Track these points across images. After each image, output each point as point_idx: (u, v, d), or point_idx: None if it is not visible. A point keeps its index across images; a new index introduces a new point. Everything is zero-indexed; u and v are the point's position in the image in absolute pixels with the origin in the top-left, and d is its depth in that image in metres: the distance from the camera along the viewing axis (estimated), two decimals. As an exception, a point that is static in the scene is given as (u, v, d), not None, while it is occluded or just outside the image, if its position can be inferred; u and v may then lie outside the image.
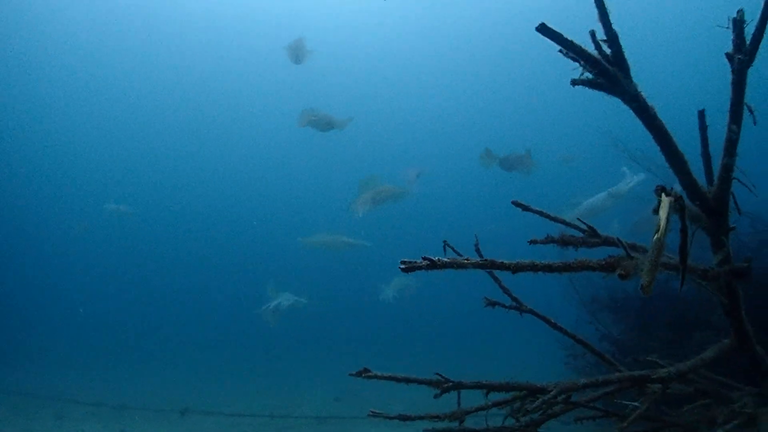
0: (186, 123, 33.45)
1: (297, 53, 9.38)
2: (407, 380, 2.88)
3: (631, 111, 2.62)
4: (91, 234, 22.96)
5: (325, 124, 8.29)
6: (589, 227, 2.81)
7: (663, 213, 2.20)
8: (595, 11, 2.29)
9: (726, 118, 3.06)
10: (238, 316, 18.85)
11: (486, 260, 1.95)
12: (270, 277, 11.36)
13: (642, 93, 2.53)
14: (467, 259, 1.91)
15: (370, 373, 2.81)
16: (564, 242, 2.64)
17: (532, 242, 2.57)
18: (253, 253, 31.15)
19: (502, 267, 1.99)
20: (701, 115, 2.97)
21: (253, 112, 33.17)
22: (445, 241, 3.55)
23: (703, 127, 3.00)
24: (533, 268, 2.06)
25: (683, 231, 2.30)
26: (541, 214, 2.85)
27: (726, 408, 3.70)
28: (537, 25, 2.10)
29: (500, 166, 8.09)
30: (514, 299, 3.48)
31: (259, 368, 14.64)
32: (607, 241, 2.84)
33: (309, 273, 23.98)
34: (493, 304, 3.46)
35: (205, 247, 32.48)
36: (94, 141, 34.03)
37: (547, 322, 3.47)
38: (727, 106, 2.83)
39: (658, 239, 2.09)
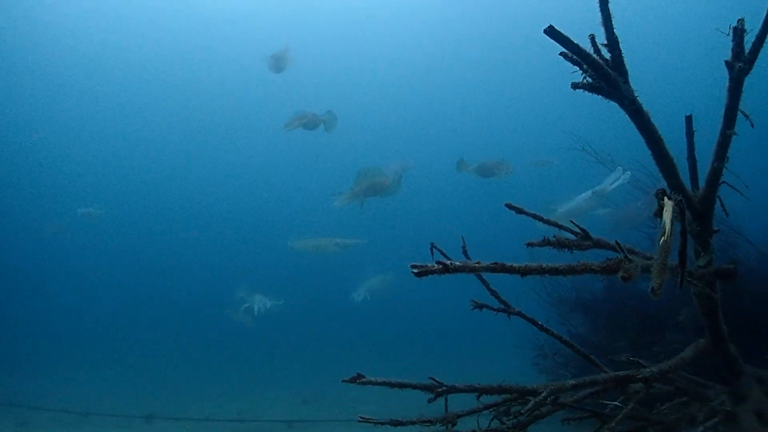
0: (165, 124, 32.86)
1: (278, 63, 9.27)
2: (401, 385, 2.84)
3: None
4: (55, 238, 22.32)
5: (312, 123, 8.20)
6: (582, 230, 2.82)
7: (667, 216, 2.22)
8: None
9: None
10: (204, 318, 18.56)
11: (496, 264, 1.93)
12: (238, 279, 11.22)
13: (638, 98, 2.55)
14: (478, 263, 1.89)
15: (364, 379, 2.77)
16: (559, 245, 2.64)
17: (530, 244, 2.55)
18: (221, 254, 30.75)
19: (512, 270, 1.97)
20: (688, 120, 3.02)
21: (231, 112, 32.72)
22: (432, 244, 3.54)
23: (689, 132, 3.04)
24: (541, 271, 2.05)
25: (683, 233, 2.32)
26: (534, 216, 2.85)
27: (705, 406, 3.77)
28: (545, 27, 2.09)
29: (477, 173, 8.06)
30: (502, 302, 3.47)
31: (225, 371, 14.42)
32: (599, 244, 2.85)
33: (277, 273, 23.80)
34: (480, 306, 3.45)
35: (172, 249, 31.92)
36: (68, 143, 33.15)
37: (534, 323, 3.47)
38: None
39: (665, 242, 2.10)
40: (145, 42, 27.86)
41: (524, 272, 2.00)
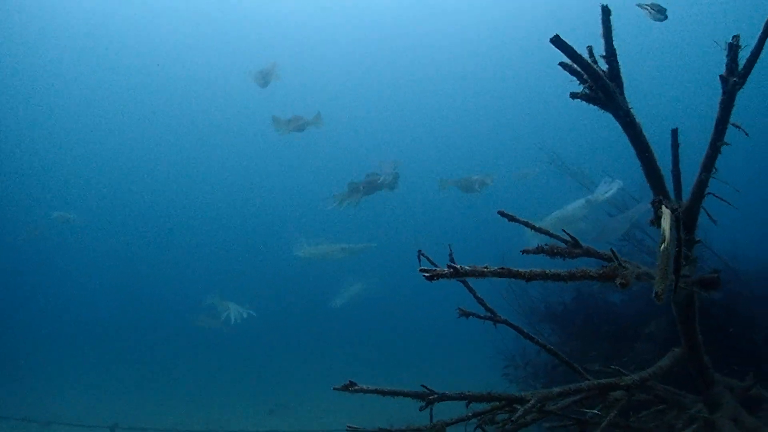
0: (146, 127, 32.27)
1: (265, 78, 9.25)
2: (393, 393, 2.82)
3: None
4: (27, 243, 21.60)
5: (300, 125, 8.19)
6: (573, 238, 2.85)
7: (666, 224, 2.26)
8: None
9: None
10: (171, 326, 18.18)
11: (503, 269, 1.93)
12: (209, 286, 11.01)
13: (632, 109, 2.60)
14: (486, 267, 1.89)
15: (356, 387, 2.72)
16: (552, 253, 2.66)
17: (525, 252, 2.57)
18: (193, 261, 30.19)
19: (517, 275, 1.97)
20: (674, 133, 3.08)
21: (213, 115, 32.25)
22: (419, 251, 3.53)
23: (675, 145, 3.10)
24: (544, 276, 2.06)
25: (678, 242, 2.36)
26: (526, 224, 2.87)
27: (684, 414, 3.84)
28: (552, 36, 2.11)
29: (458, 188, 8.16)
30: (489, 309, 3.48)
31: (191, 379, 14.12)
32: (588, 252, 2.89)
33: (248, 280, 23.50)
34: (467, 314, 3.46)
35: (140, 256, 31.20)
36: (44, 145, 32.31)
37: (520, 332, 3.49)
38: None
39: (666, 249, 2.13)
40: (126, 43, 27.39)
41: (529, 278, 2.00)
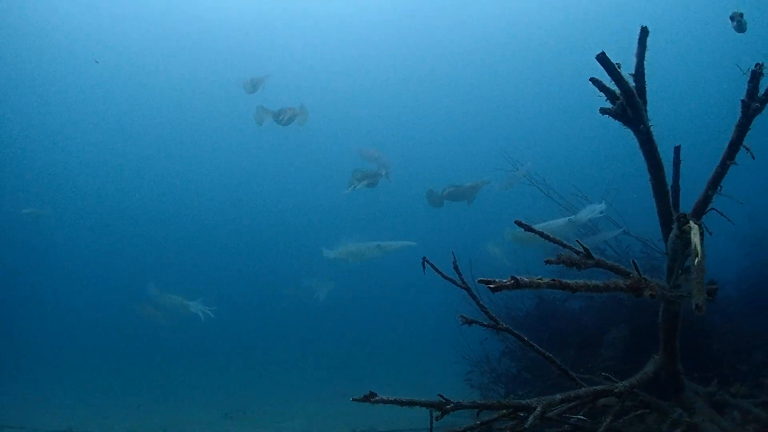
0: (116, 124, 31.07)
1: (254, 86, 9.16)
2: (411, 403, 2.80)
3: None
4: None
5: (286, 118, 8.02)
6: (585, 249, 2.91)
7: (696, 238, 2.32)
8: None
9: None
10: (124, 326, 17.54)
11: (555, 280, 1.95)
12: (163, 282, 10.65)
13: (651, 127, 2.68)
14: (540, 279, 1.91)
15: (377, 398, 2.68)
16: (569, 263, 2.71)
17: (548, 262, 2.60)
18: (148, 259, 29.19)
19: (566, 287, 2.00)
20: (676, 150, 3.19)
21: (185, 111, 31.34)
22: (424, 258, 3.54)
23: (677, 162, 3.22)
24: (587, 288, 2.10)
25: (700, 254, 2.44)
26: (541, 235, 2.91)
27: (666, 418, 3.97)
28: (598, 53, 2.15)
29: (447, 199, 8.10)
30: (492, 318, 3.51)
31: (145, 381, 13.67)
32: (599, 264, 2.96)
33: (202, 277, 22.97)
34: (469, 322, 3.48)
35: (93, 252, 29.95)
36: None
37: (521, 339, 3.53)
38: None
39: (699, 262, 2.20)
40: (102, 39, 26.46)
41: (575, 289, 2.03)
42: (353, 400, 2.65)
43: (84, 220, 31.89)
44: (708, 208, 3.05)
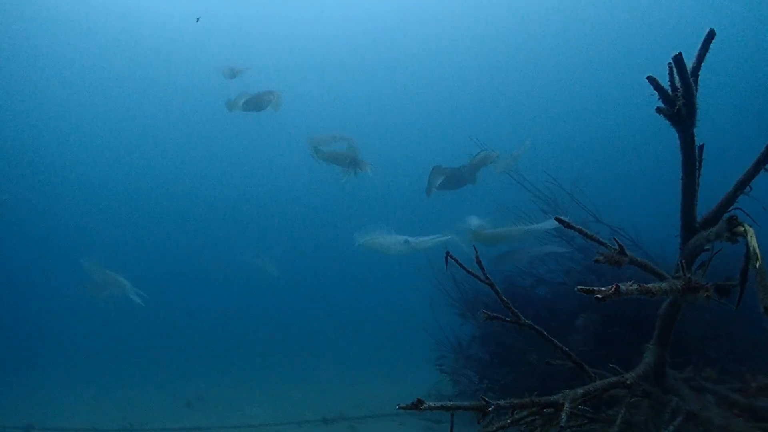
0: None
1: (234, 73, 8.80)
2: (456, 408, 2.71)
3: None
4: None
5: (256, 104, 7.69)
6: (620, 246, 2.90)
7: (753, 241, 2.33)
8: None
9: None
10: (80, 313, 16.78)
11: (642, 286, 1.91)
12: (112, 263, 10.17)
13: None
14: (631, 285, 1.86)
15: (425, 405, 2.58)
16: (612, 261, 2.69)
17: (597, 261, 2.57)
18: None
19: (648, 292, 1.97)
20: (700, 149, 3.21)
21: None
22: (447, 253, 3.46)
23: (699, 160, 3.25)
24: (661, 291, 2.07)
25: (747, 256, 2.45)
26: (579, 231, 2.88)
27: (666, 406, 4.06)
28: (675, 54, 2.11)
29: (442, 188, 7.69)
30: (514, 313, 3.48)
31: (103, 371, 13.10)
32: (633, 261, 2.95)
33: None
34: (492, 318, 3.43)
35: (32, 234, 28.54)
36: None
37: (541, 334, 3.51)
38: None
39: (761, 266, 2.20)
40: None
41: (655, 293, 2.00)
42: (399, 407, 2.54)
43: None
44: (732, 208, 3.08)
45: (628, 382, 3.61)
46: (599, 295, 1.72)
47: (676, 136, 2.99)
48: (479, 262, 3.38)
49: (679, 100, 2.37)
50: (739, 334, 6.44)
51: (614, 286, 1.74)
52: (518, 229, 6.96)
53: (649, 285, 1.98)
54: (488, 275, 3.36)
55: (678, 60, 2.16)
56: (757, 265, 2.21)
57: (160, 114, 31.73)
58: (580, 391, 3.29)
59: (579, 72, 29.03)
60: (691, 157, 2.77)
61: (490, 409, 2.75)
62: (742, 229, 2.38)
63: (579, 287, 1.76)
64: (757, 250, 2.27)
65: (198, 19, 16.26)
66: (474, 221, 8.20)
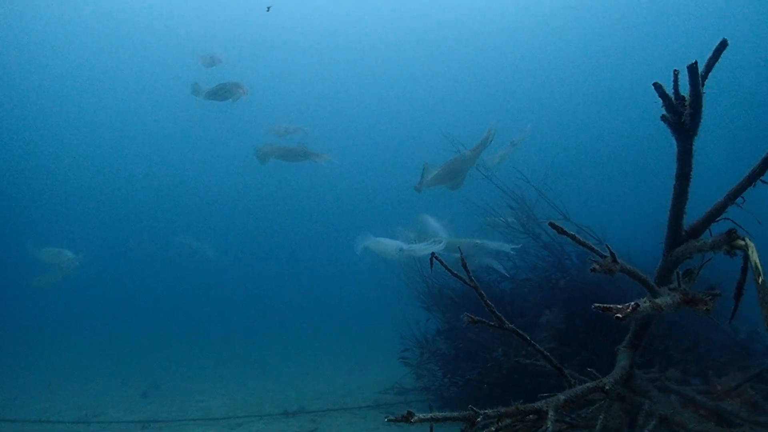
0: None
1: (211, 61, 8.60)
2: (445, 419, 2.62)
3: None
4: None
5: (222, 93, 7.47)
6: (612, 253, 2.84)
7: (755, 256, 2.28)
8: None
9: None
10: (28, 299, 16.11)
11: (654, 303, 1.84)
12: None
13: (694, 136, 2.63)
14: (647, 301, 1.79)
15: (415, 418, 2.47)
16: (606, 269, 2.63)
17: (593, 270, 2.51)
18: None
19: (659, 308, 1.90)
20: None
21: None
22: (433, 253, 3.36)
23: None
24: (667, 306, 2.02)
25: (744, 270, 2.41)
26: (572, 237, 2.81)
27: (641, 410, 4.06)
28: (690, 63, 2.03)
29: (434, 184, 7.49)
30: (498, 317, 3.40)
31: (52, 358, 12.62)
32: (623, 269, 2.90)
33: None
34: (475, 321, 3.34)
35: None
36: None
37: (524, 339, 3.45)
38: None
39: (763, 281, 2.16)
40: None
41: (664, 308, 1.94)
42: (388, 420, 2.43)
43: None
44: (720, 218, 3.06)
45: (607, 387, 3.58)
46: (619, 314, 1.64)
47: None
48: (464, 265, 3.28)
49: (685, 110, 2.31)
50: (700, 335, 6.54)
51: (634, 304, 1.67)
52: (468, 242, 6.98)
53: (657, 300, 1.91)
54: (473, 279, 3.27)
55: (692, 69, 2.09)
56: (759, 281, 2.16)
57: (103, 88, 30.81)
58: (562, 397, 3.24)
59: (555, 73, 29.36)
60: (687, 166, 2.72)
61: (478, 419, 2.67)
62: (742, 242, 2.33)
63: (596, 305, 1.67)
64: (759, 266, 2.22)
65: (269, 8, 15.86)
66: (431, 222, 8.18)
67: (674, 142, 2.71)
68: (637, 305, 1.68)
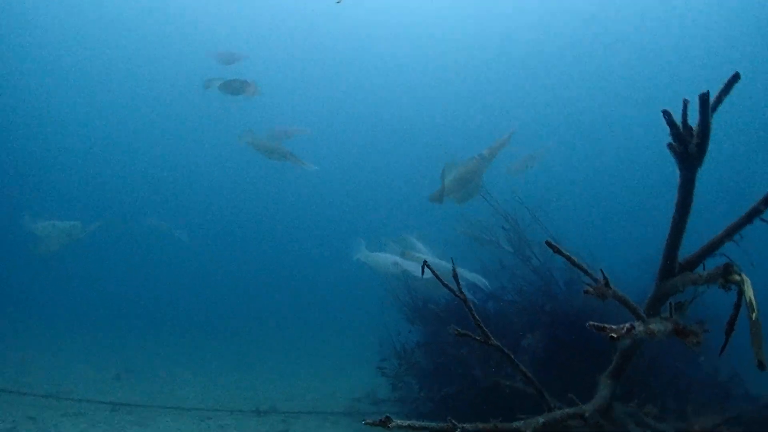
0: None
1: (230, 59, 8.65)
2: (423, 428, 2.57)
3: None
4: None
5: (234, 88, 7.47)
6: (605, 278, 2.81)
7: (750, 292, 2.26)
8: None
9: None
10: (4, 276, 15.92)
11: (648, 329, 1.81)
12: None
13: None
14: (641, 326, 1.76)
15: (393, 423, 2.42)
16: (600, 294, 2.60)
17: (587, 292, 2.48)
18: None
19: (658, 335, 1.87)
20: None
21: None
22: (425, 261, 3.32)
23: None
24: (667, 334, 1.99)
25: (737, 305, 2.39)
26: (568, 259, 2.78)
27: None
28: (703, 92, 2.02)
29: (452, 193, 7.32)
30: (484, 332, 3.36)
31: (24, 336, 12.45)
32: (615, 295, 2.88)
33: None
34: (462, 335, 3.32)
35: None
36: None
37: (509, 358, 3.41)
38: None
39: (757, 317, 2.14)
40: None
41: (669, 335, 1.91)
42: (365, 423, 2.37)
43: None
44: (716, 252, 3.04)
45: (586, 415, 3.54)
46: (613, 335, 1.60)
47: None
48: (455, 277, 3.25)
49: (692, 140, 2.29)
50: (680, 372, 6.52)
51: (629, 326, 1.64)
52: (436, 260, 6.95)
53: (651, 326, 1.88)
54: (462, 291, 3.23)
55: (704, 98, 2.07)
56: (753, 317, 2.13)
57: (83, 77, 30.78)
58: (541, 420, 3.20)
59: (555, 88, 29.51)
60: (688, 197, 2.70)
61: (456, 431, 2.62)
62: (738, 278, 2.30)
63: (591, 323, 1.64)
64: (754, 302, 2.20)
65: (338, 0, 15.90)
66: (417, 244, 8.18)
67: (677, 171, 2.69)
68: (632, 327, 1.65)
